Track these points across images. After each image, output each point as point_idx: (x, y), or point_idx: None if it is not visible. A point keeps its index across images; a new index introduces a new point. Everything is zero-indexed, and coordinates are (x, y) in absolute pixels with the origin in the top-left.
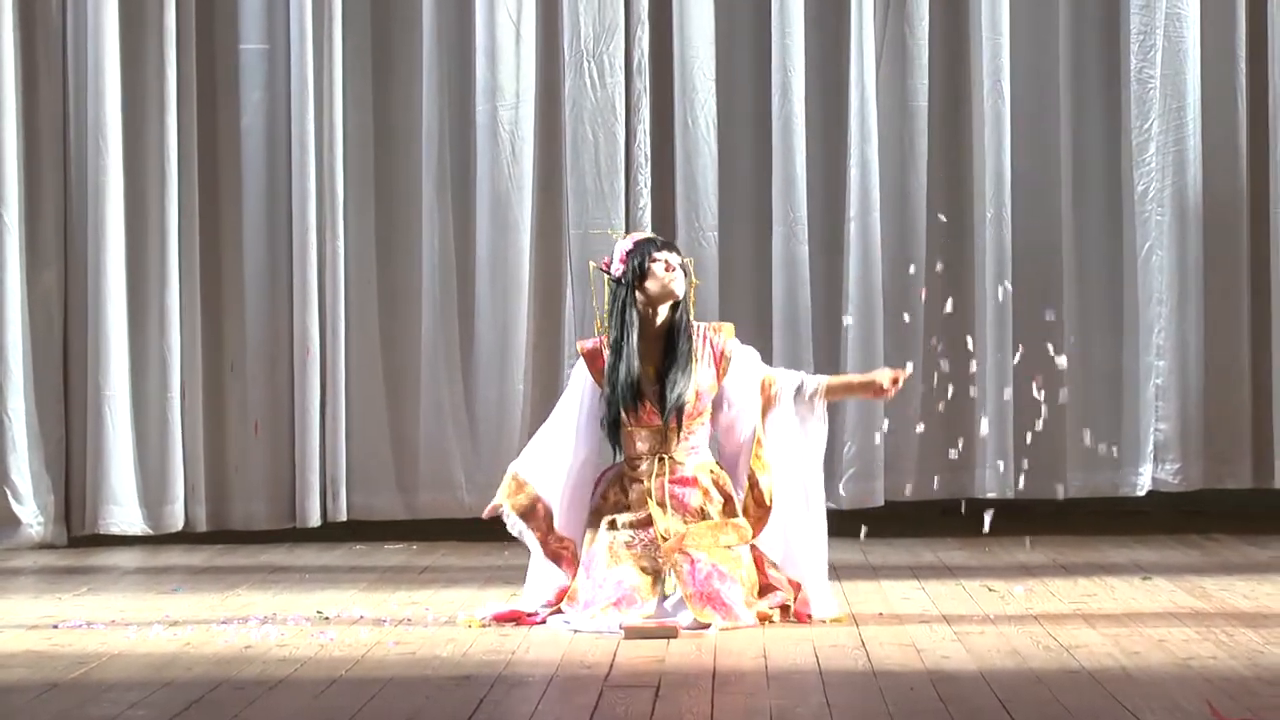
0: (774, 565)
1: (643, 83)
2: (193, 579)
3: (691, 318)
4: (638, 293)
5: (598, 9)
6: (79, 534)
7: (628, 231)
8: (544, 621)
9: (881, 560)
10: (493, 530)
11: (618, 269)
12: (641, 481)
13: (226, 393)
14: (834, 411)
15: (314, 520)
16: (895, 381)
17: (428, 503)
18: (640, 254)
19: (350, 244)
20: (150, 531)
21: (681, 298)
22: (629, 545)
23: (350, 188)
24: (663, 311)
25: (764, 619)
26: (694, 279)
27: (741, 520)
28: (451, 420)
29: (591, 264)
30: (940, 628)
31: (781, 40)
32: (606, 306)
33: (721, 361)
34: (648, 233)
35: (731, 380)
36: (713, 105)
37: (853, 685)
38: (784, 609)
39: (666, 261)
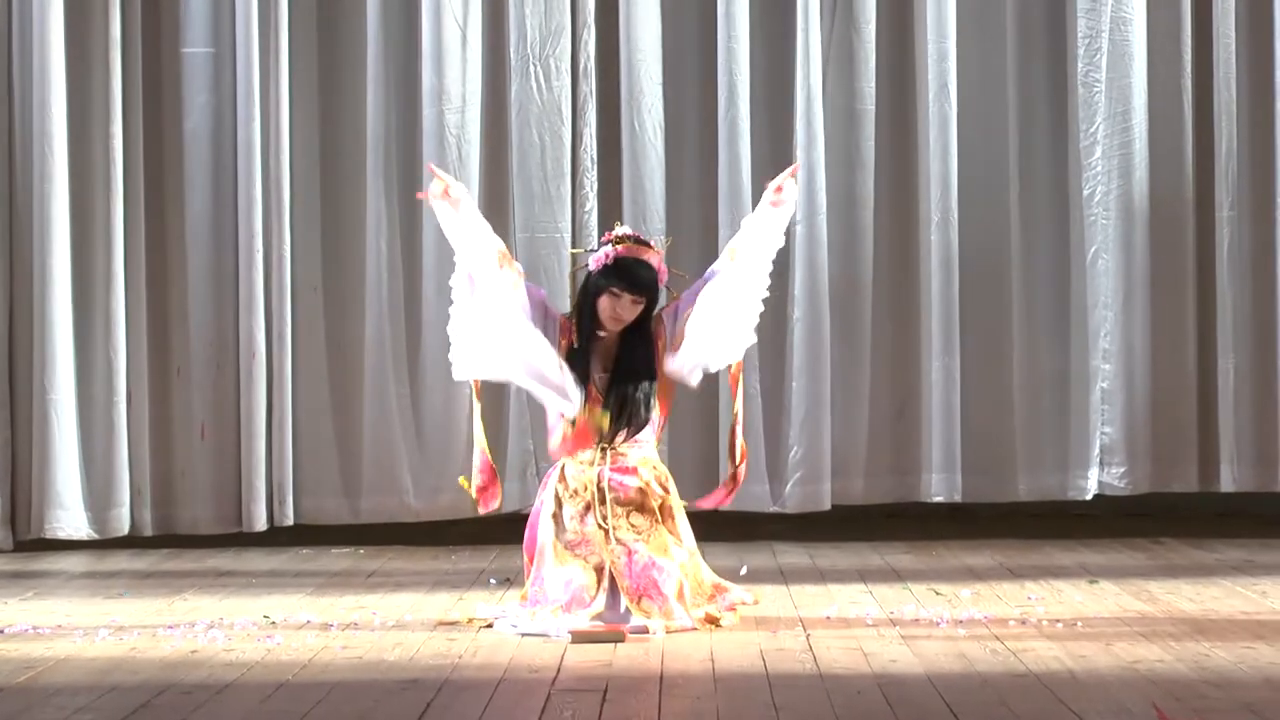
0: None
1: (589, 86)
2: (139, 583)
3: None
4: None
5: (544, 12)
6: (24, 538)
7: (575, 237)
8: (494, 620)
9: (829, 564)
10: (439, 534)
11: (593, 266)
12: (583, 470)
13: (172, 397)
14: (780, 415)
15: (260, 524)
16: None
17: (374, 507)
18: (605, 280)
19: (296, 247)
20: (96, 536)
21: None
22: (572, 545)
23: (296, 191)
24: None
25: (712, 621)
26: (673, 294)
27: (680, 525)
28: (398, 425)
29: (575, 252)
30: (887, 631)
31: (728, 43)
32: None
33: (659, 323)
34: (639, 250)
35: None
36: (659, 108)
37: (800, 689)
38: (733, 609)
39: (618, 301)
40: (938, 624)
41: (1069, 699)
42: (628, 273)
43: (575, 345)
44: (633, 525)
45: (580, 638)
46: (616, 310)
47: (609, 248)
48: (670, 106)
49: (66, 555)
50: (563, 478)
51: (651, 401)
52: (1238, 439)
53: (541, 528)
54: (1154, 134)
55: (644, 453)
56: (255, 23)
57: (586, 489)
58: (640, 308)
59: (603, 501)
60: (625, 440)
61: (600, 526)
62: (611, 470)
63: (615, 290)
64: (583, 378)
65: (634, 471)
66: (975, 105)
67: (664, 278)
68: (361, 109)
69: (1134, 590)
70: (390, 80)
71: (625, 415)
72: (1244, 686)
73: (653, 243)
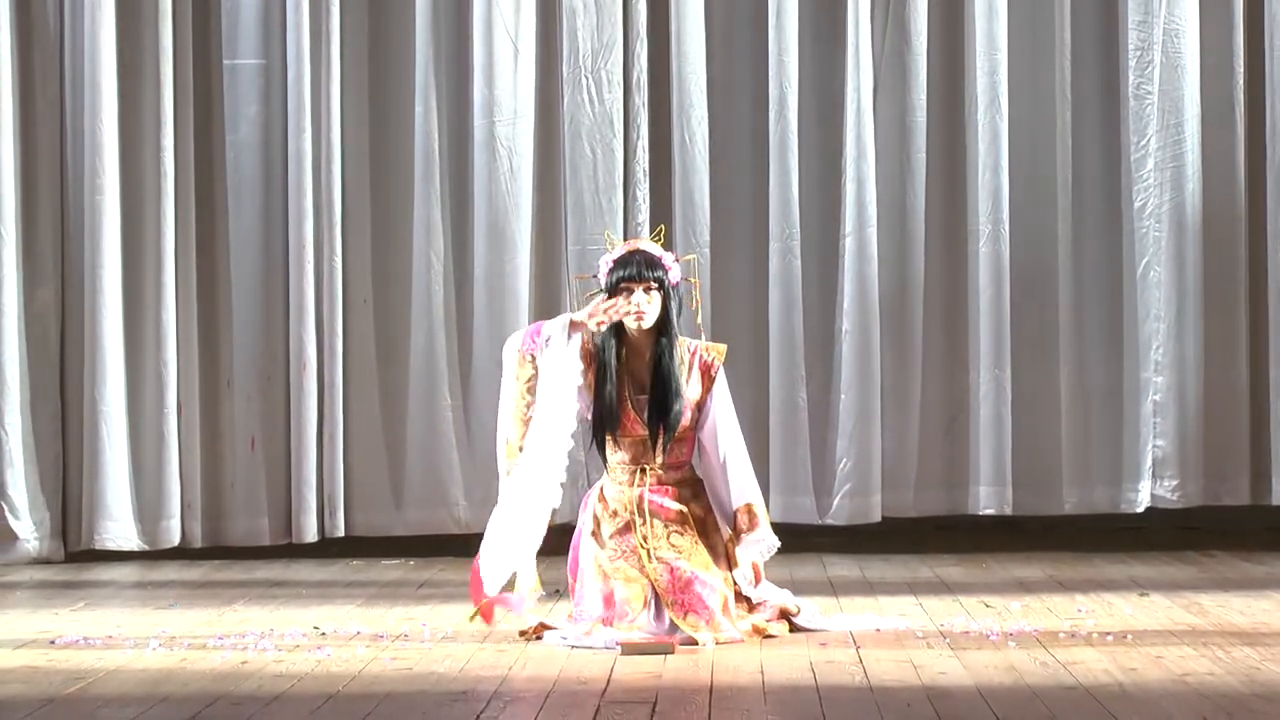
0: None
1: (641, 98)
2: (189, 594)
3: (684, 337)
4: None
5: (596, 25)
6: (75, 549)
7: (626, 237)
8: (540, 636)
9: (879, 576)
10: None
11: (602, 279)
12: (623, 491)
13: (223, 409)
14: (828, 427)
15: (311, 536)
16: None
17: (425, 519)
18: (615, 280)
19: (347, 259)
20: (146, 547)
21: (650, 326)
22: (612, 559)
23: (347, 203)
24: (647, 320)
25: (759, 631)
26: (696, 296)
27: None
28: (449, 437)
29: (577, 279)
30: (937, 644)
31: (778, 56)
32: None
33: (706, 378)
34: (644, 243)
35: (716, 396)
36: (709, 121)
37: (850, 702)
38: (782, 614)
39: (634, 295)
40: (988, 636)
41: (1119, 712)
42: (630, 264)
43: (604, 375)
44: (673, 546)
45: (630, 650)
46: (629, 309)
47: (609, 255)
48: (720, 119)
49: (117, 566)
50: (602, 498)
51: (688, 410)
52: None
53: (582, 547)
54: (1206, 146)
55: (682, 472)
56: (306, 34)
57: (626, 508)
58: (657, 294)
59: (644, 521)
60: (667, 454)
61: (642, 546)
62: (651, 491)
63: (626, 284)
64: (618, 399)
65: (673, 492)
66: (1026, 117)
67: (672, 271)
68: (413, 121)
69: (1184, 603)
70: (442, 92)
71: (668, 422)
72: None
73: (653, 239)
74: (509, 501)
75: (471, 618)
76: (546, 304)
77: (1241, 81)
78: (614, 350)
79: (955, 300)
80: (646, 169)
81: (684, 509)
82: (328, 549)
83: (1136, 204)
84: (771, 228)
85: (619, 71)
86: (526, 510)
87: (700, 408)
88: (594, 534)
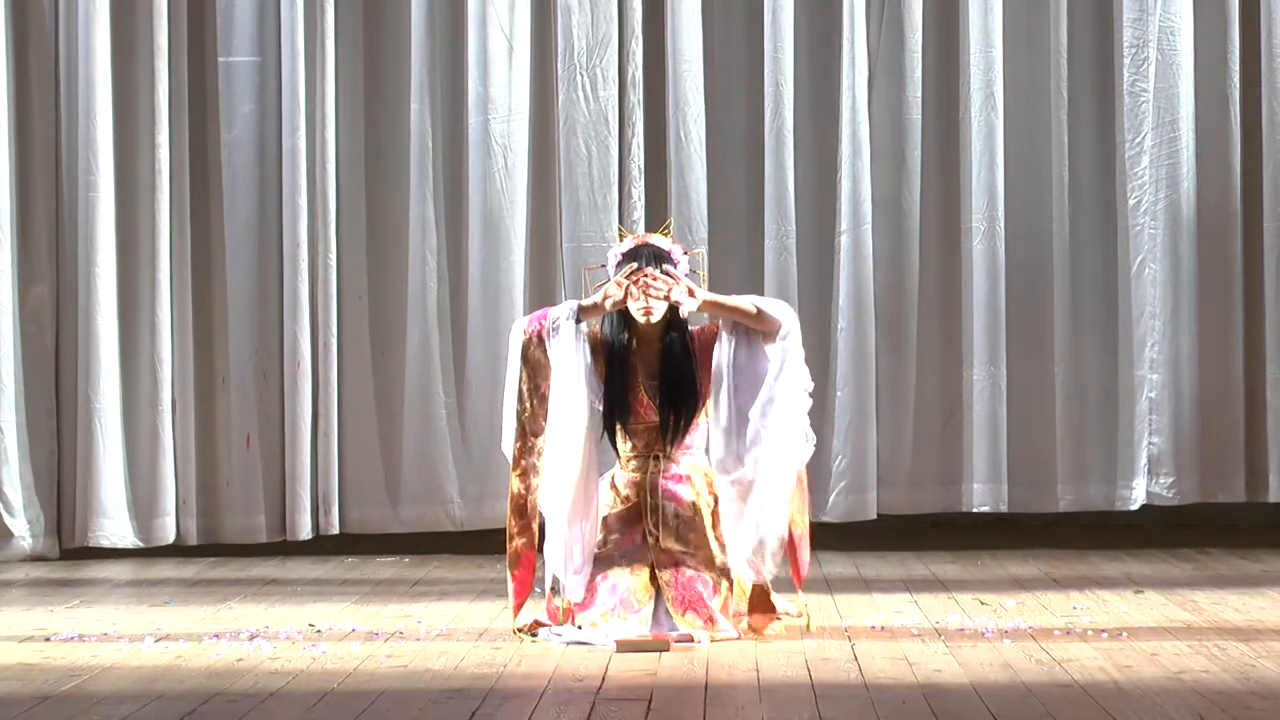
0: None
1: (636, 96)
2: (184, 592)
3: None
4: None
5: (591, 22)
6: (70, 546)
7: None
8: (534, 633)
9: (874, 573)
10: (483, 543)
11: (611, 271)
12: (634, 479)
13: (217, 406)
14: (824, 424)
15: (305, 533)
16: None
17: (419, 516)
18: (624, 271)
19: (342, 256)
20: (141, 544)
21: (658, 320)
22: (618, 546)
23: (341, 200)
24: (655, 315)
25: (756, 630)
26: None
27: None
28: (444, 434)
29: (586, 270)
30: (932, 641)
31: (774, 53)
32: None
33: (709, 347)
34: (653, 237)
35: (719, 348)
36: (705, 118)
37: (845, 698)
38: (777, 618)
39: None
40: (983, 634)
41: (1114, 709)
42: (639, 256)
43: (613, 366)
44: (680, 539)
45: (625, 646)
46: (637, 306)
47: (619, 246)
48: (716, 116)
49: (112, 563)
50: (613, 485)
51: (702, 397)
52: None
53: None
54: (1201, 143)
55: (694, 459)
56: (301, 31)
57: (638, 494)
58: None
59: (653, 510)
60: (678, 442)
61: (650, 534)
62: (664, 479)
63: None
64: (629, 387)
65: (686, 480)
66: (1021, 115)
67: (680, 264)
68: (408, 118)
69: (1180, 600)
70: (437, 89)
71: (681, 414)
72: None
73: (665, 235)
74: (551, 508)
75: (528, 631)
76: (541, 301)
77: (1236, 79)
78: (624, 341)
79: (950, 298)
80: (642, 166)
81: (695, 499)
82: (323, 546)
83: (1131, 201)
84: (767, 225)
85: (614, 68)
86: (570, 506)
87: (709, 376)
88: (604, 520)
